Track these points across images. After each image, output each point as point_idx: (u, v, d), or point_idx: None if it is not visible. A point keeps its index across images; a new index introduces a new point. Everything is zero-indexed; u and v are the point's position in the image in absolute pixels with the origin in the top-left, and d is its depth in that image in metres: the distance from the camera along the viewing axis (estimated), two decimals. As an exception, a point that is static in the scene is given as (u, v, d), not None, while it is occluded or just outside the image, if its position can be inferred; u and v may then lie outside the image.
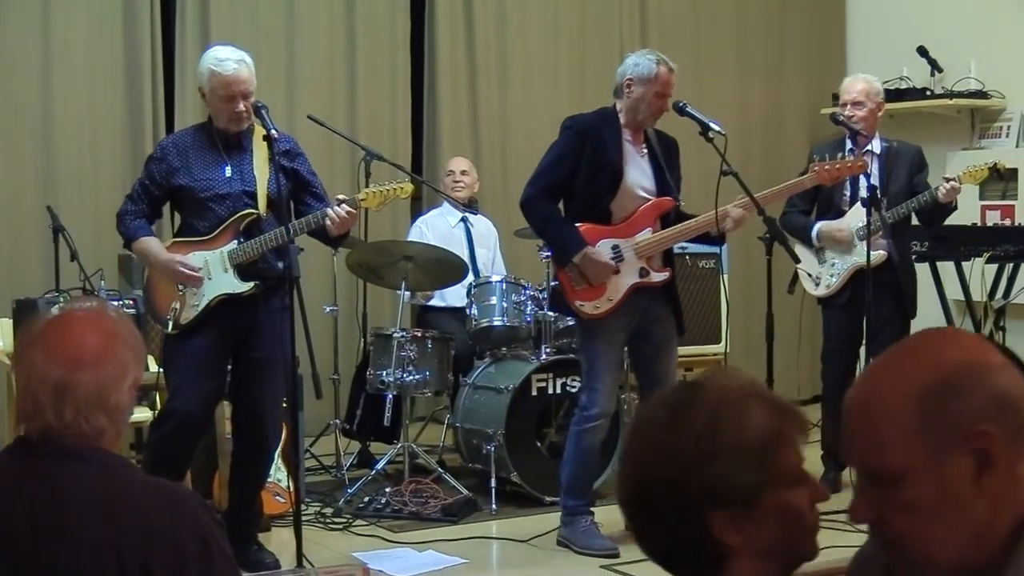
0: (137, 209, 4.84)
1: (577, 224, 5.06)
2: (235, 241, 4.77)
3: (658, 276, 5.13)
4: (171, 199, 4.92)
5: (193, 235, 4.81)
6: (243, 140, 4.81)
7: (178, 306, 4.77)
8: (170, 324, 4.76)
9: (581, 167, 5.05)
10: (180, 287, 4.78)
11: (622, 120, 5.10)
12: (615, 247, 5.05)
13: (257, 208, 4.77)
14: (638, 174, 5.11)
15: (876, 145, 6.03)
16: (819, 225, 6.06)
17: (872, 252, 5.79)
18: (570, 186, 5.10)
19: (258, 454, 4.96)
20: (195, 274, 4.73)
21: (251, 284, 4.76)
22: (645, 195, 5.11)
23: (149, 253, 4.82)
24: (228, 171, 4.77)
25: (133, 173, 6.93)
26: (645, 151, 5.16)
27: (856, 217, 5.98)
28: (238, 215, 4.76)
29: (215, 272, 4.75)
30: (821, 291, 6.11)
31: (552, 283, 5.75)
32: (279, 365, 4.76)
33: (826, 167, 5.21)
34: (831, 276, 6.06)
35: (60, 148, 6.86)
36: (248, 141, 4.82)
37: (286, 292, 4.73)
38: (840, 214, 6.05)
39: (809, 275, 6.13)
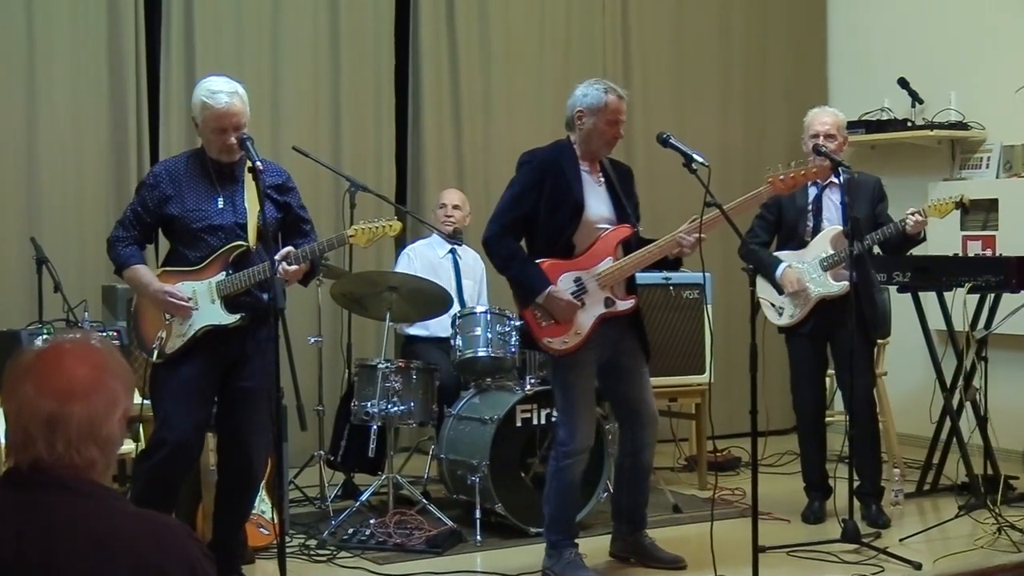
0: (128, 236, 4.82)
1: (539, 259, 5.06)
2: (223, 273, 4.76)
3: (624, 304, 5.13)
4: (162, 226, 4.90)
5: (183, 264, 4.79)
6: (236, 171, 4.80)
7: (164, 335, 4.75)
8: (155, 353, 4.75)
9: (542, 202, 5.06)
10: (167, 317, 4.76)
11: (578, 152, 5.13)
12: (577, 280, 5.05)
13: (247, 240, 4.77)
14: (598, 205, 5.12)
15: (838, 177, 6.04)
16: (783, 267, 6.05)
17: (838, 283, 5.83)
18: (532, 221, 5.11)
19: (244, 486, 4.94)
20: (185, 304, 4.72)
21: (237, 316, 4.75)
22: (606, 225, 5.13)
23: (140, 282, 4.80)
24: (220, 202, 4.77)
25: (117, 204, 6.94)
26: (602, 180, 5.19)
27: (819, 249, 6.01)
28: (228, 247, 4.75)
29: (202, 303, 4.75)
30: (784, 321, 6.13)
31: (518, 323, 5.77)
32: (266, 395, 4.76)
33: (780, 176, 5.15)
34: (795, 306, 6.08)
35: (44, 179, 6.85)
36: (240, 172, 4.80)
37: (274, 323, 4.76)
38: (802, 245, 6.07)
39: (772, 305, 6.14)
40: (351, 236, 4.95)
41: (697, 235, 5.00)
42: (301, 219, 4.97)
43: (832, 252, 5.95)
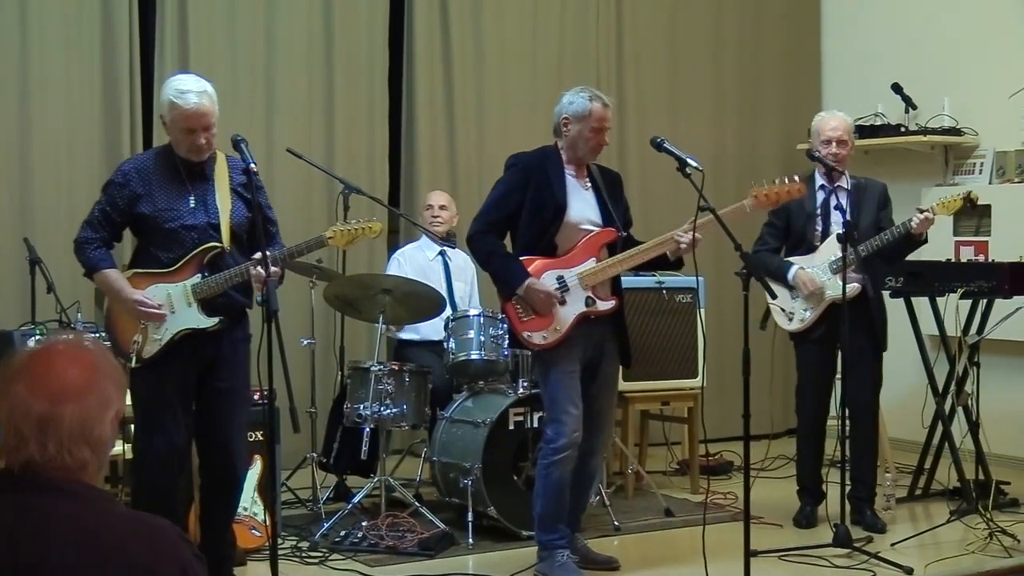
0: (98, 237, 4.73)
1: (523, 257, 5.15)
2: (199, 275, 4.69)
3: (604, 304, 5.19)
4: (131, 226, 4.80)
5: (154, 266, 4.70)
6: (206, 169, 4.72)
7: (140, 339, 4.67)
8: (133, 359, 4.66)
9: (526, 202, 5.17)
10: (142, 321, 4.68)
11: (564, 157, 5.23)
12: (560, 278, 5.13)
13: (221, 241, 4.70)
14: (582, 207, 5.21)
15: (846, 181, 6.08)
16: (795, 269, 6.07)
17: (847, 286, 5.82)
18: (516, 221, 5.21)
19: (228, 485, 4.89)
20: (158, 312, 4.64)
21: (216, 320, 4.69)
22: (591, 227, 5.21)
23: (112, 287, 4.71)
24: (192, 202, 4.68)
25: (110, 205, 6.93)
26: (589, 185, 5.28)
27: (828, 252, 6.02)
28: (202, 248, 4.68)
29: (178, 306, 4.67)
30: (795, 326, 6.13)
31: (501, 319, 5.84)
32: (243, 394, 4.77)
33: (764, 192, 5.20)
34: (804, 311, 6.08)
35: (37, 179, 6.84)
36: (211, 171, 4.74)
37: (247, 322, 4.80)
38: (812, 249, 6.08)
39: (782, 310, 6.14)
40: (330, 238, 4.88)
41: (694, 234, 5.04)
42: (268, 220, 4.87)
43: (841, 255, 5.95)
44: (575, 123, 5.17)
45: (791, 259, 6.13)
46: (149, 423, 4.66)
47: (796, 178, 5.31)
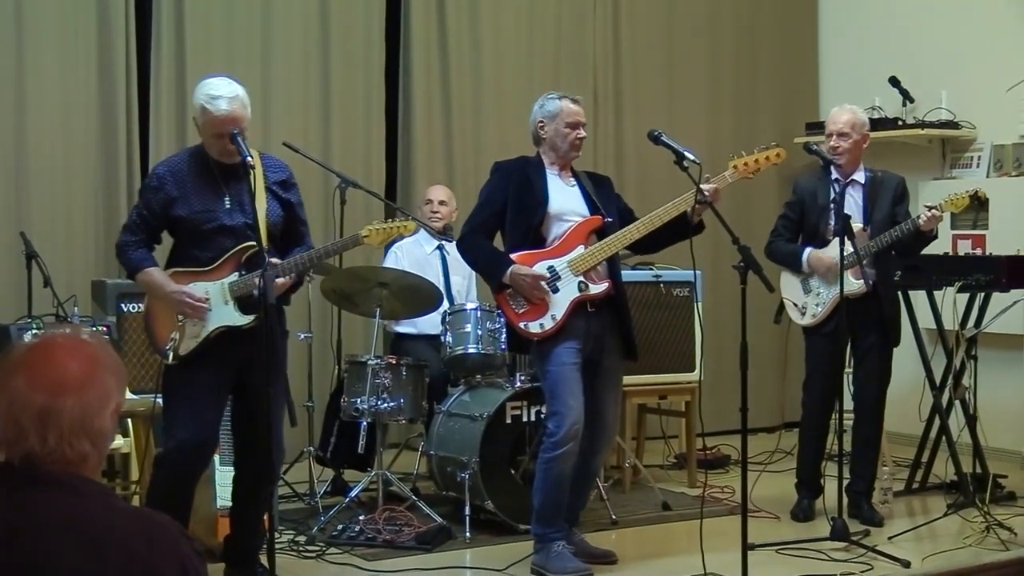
0: (137, 239, 4.75)
1: (514, 253, 5.21)
2: (236, 273, 4.71)
3: (596, 287, 5.22)
4: (168, 227, 4.83)
5: (193, 264, 4.72)
6: (239, 169, 4.71)
7: (177, 336, 4.68)
8: (170, 355, 4.68)
9: (509, 202, 5.27)
10: (180, 318, 4.70)
11: (546, 161, 5.35)
12: (550, 268, 5.18)
13: (259, 241, 4.68)
14: (566, 199, 5.30)
15: (860, 175, 6.08)
16: (808, 251, 6.08)
17: (855, 281, 5.82)
18: (503, 221, 5.31)
19: (268, 481, 4.83)
20: (201, 305, 4.66)
21: (251, 318, 4.69)
22: (577, 218, 5.28)
23: (155, 284, 4.73)
24: (228, 202, 4.70)
25: (106, 199, 6.93)
26: (574, 183, 5.38)
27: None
28: (240, 247, 4.69)
29: (215, 303, 4.69)
30: (807, 320, 6.12)
31: (498, 313, 5.89)
32: (280, 392, 4.78)
33: (743, 161, 5.28)
34: (817, 306, 6.07)
35: (33, 173, 6.82)
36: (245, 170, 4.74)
37: (284, 318, 4.84)
38: (825, 243, 6.06)
39: (795, 304, 6.14)
40: (365, 236, 4.92)
41: (714, 186, 5.11)
42: (299, 220, 4.91)
43: (853, 250, 5.95)
44: (550, 123, 5.32)
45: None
46: (181, 418, 4.65)
47: (775, 143, 5.34)
